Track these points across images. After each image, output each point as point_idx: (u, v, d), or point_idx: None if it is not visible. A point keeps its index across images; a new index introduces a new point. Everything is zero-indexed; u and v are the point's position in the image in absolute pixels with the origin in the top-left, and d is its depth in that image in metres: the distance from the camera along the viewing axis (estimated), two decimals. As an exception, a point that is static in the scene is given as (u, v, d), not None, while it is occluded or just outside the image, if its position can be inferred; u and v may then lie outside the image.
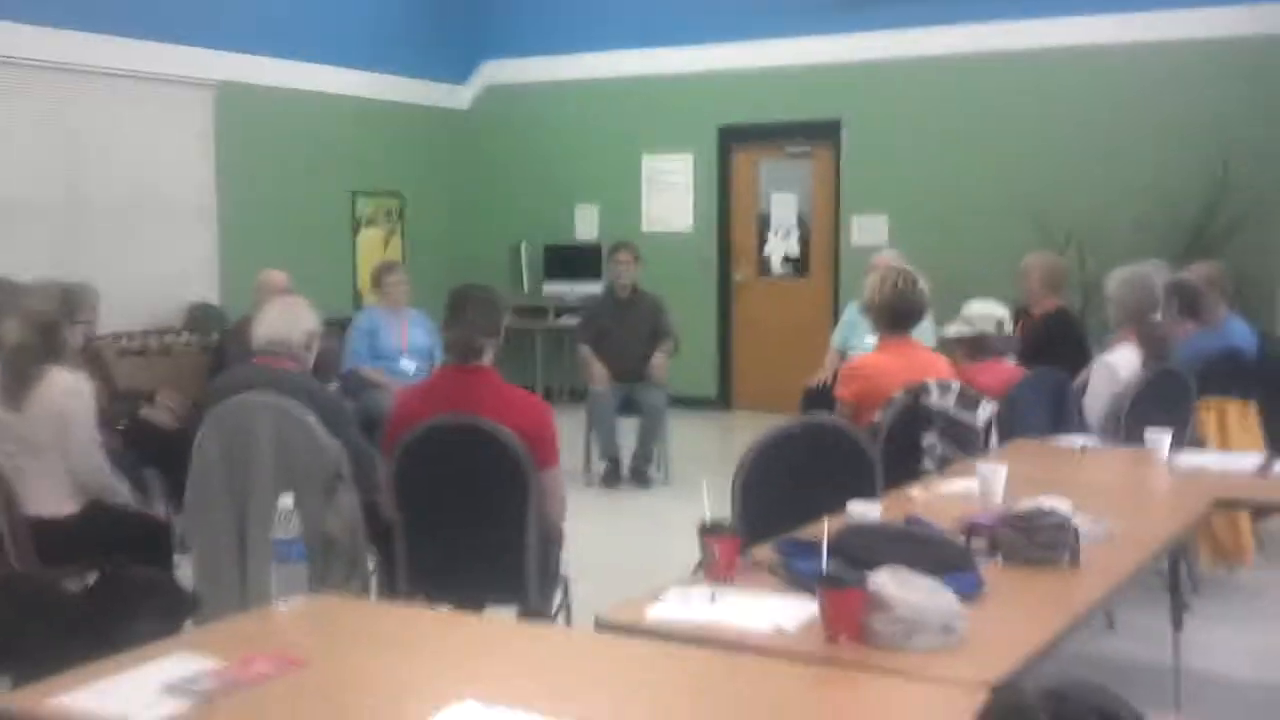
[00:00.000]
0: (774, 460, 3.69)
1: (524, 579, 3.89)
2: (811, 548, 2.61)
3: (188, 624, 3.66)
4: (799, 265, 10.64)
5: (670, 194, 10.84)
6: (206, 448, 3.94)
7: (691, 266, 10.58)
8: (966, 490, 3.48)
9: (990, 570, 2.72)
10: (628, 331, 7.90)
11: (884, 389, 4.22)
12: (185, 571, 4.12)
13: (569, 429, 7.52)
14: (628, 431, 7.86)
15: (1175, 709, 3.77)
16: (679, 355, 8.17)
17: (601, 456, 7.88)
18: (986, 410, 4.26)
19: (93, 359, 5.93)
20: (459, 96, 11.46)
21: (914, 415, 4.15)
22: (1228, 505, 3.98)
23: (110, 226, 8.32)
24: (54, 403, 4.26)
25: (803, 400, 7.19)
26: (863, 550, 2.56)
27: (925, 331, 5.65)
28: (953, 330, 5.13)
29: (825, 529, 2.53)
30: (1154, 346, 5.18)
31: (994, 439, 4.34)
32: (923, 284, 4.51)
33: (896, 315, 4.46)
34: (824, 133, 10.23)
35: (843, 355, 7.17)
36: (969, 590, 2.53)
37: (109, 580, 3.80)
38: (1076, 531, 2.86)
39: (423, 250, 10.76)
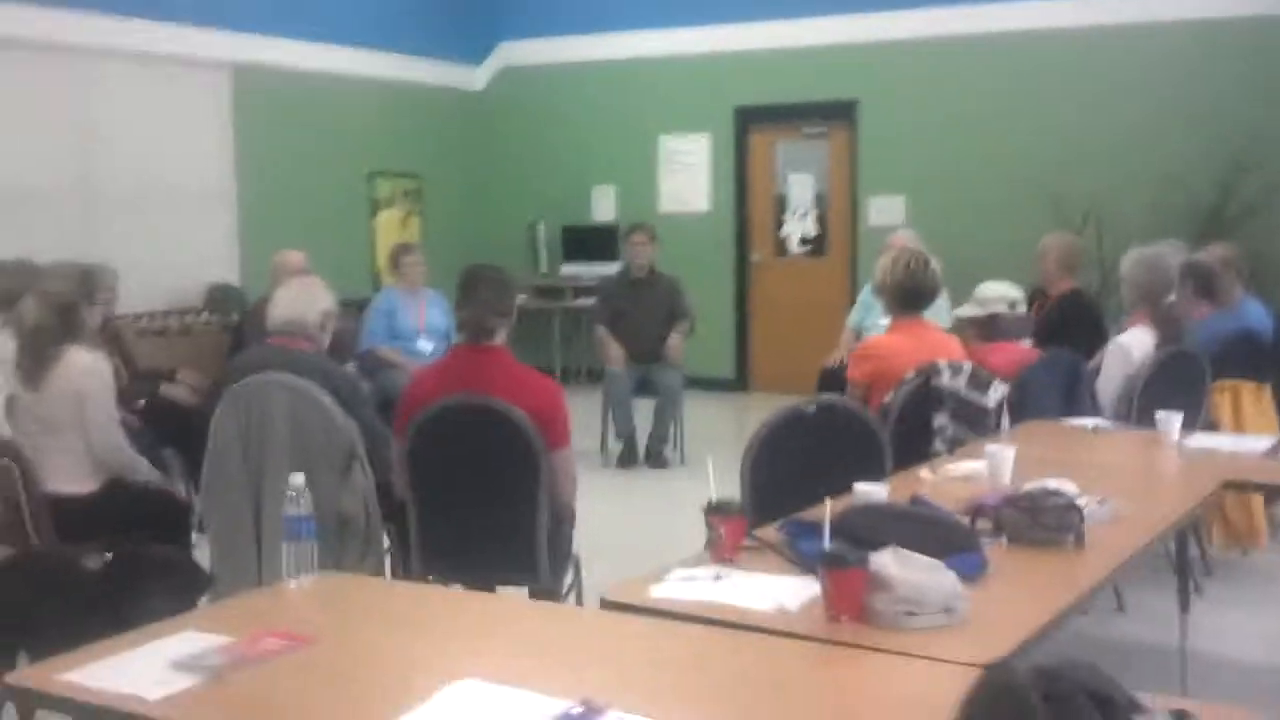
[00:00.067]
0: (784, 441, 3.70)
1: (535, 559, 3.92)
2: (815, 528, 2.62)
3: (202, 601, 3.71)
4: (816, 246, 10.63)
5: (687, 175, 10.84)
6: (222, 428, 3.96)
7: (708, 247, 10.58)
8: (975, 471, 3.48)
9: (995, 551, 2.73)
10: (644, 312, 7.91)
11: (896, 370, 4.22)
12: (204, 551, 4.16)
13: (586, 409, 7.56)
14: (644, 412, 7.87)
15: (1181, 691, 3.77)
16: (696, 336, 8.18)
17: (618, 437, 7.90)
18: (998, 391, 4.26)
19: (112, 339, 5.99)
20: (476, 78, 11.48)
21: (925, 396, 4.15)
22: (1237, 487, 3.97)
23: (129, 210, 8.37)
24: (72, 382, 4.32)
25: (820, 381, 7.19)
26: (867, 531, 2.57)
27: (940, 312, 5.65)
28: (965, 311, 5.13)
29: (827, 509, 2.55)
30: (1168, 328, 5.16)
31: (1005, 420, 4.34)
32: (935, 265, 4.50)
33: (908, 296, 4.45)
34: (841, 113, 10.21)
35: (858, 335, 7.18)
36: (973, 571, 2.54)
37: (125, 558, 3.86)
38: (1081, 512, 2.87)
39: (440, 231, 10.79)
